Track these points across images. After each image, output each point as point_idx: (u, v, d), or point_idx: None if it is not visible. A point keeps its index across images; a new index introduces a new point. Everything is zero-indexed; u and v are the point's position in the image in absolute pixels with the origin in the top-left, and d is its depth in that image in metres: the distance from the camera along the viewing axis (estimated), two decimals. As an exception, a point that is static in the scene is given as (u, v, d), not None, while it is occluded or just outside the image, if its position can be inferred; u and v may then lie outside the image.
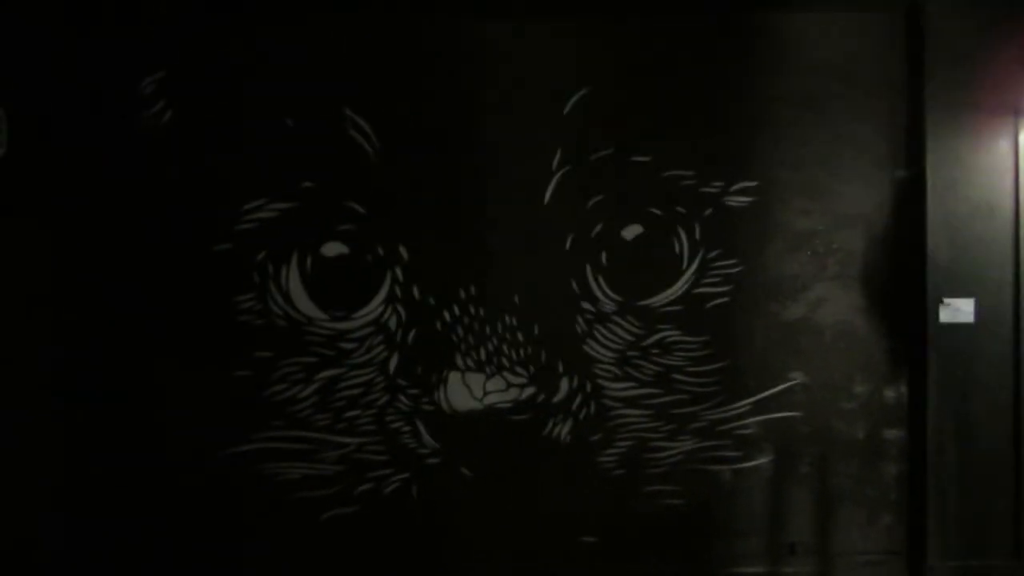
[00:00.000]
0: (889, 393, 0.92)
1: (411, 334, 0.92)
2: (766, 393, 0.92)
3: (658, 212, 0.91)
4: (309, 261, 0.92)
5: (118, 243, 0.91)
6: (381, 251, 0.91)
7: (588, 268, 0.91)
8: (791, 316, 0.91)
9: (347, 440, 0.93)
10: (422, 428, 0.92)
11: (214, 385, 0.92)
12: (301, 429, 0.93)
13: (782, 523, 0.93)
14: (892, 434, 0.92)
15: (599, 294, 0.91)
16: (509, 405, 0.92)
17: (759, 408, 0.92)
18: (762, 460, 0.93)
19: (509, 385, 0.91)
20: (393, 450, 0.92)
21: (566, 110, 0.91)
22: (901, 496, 0.92)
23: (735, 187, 0.91)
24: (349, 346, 0.92)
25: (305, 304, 0.92)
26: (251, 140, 0.91)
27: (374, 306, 0.92)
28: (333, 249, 0.92)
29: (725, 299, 0.91)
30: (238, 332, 0.92)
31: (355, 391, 0.93)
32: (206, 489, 0.92)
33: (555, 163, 0.91)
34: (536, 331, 0.91)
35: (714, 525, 0.93)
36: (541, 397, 0.92)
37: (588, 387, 0.92)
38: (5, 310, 0.85)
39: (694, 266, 0.91)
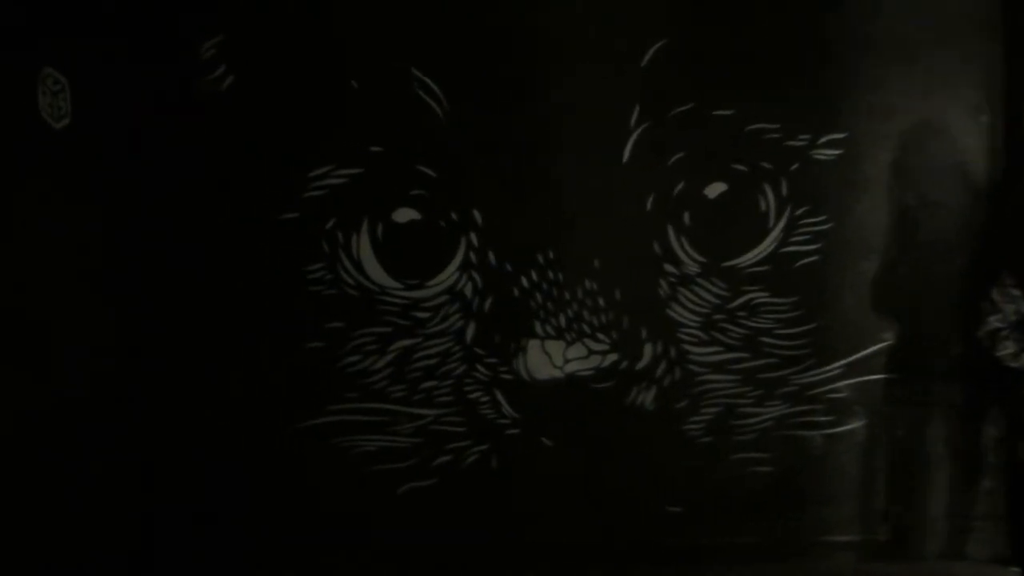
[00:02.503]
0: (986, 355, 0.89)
1: (488, 302, 0.88)
2: (858, 355, 0.88)
3: (742, 168, 0.86)
4: (380, 228, 0.88)
5: (182, 214, 0.88)
6: (454, 216, 0.88)
7: (670, 229, 0.87)
8: (883, 274, 0.87)
9: (424, 412, 0.90)
10: (501, 398, 0.89)
11: (286, 357, 0.90)
12: (376, 401, 0.90)
13: (875, 489, 0.90)
14: (990, 395, 0.89)
15: (682, 256, 0.87)
16: (590, 373, 0.89)
17: (851, 371, 0.88)
18: (854, 424, 0.89)
19: (590, 352, 0.88)
20: (471, 421, 0.89)
21: (644, 62, 0.87)
22: (999, 459, 0.89)
23: (822, 140, 0.86)
24: (424, 315, 0.89)
25: (377, 273, 0.89)
26: (315, 105, 0.88)
27: (448, 273, 0.88)
28: (404, 215, 0.89)
29: (814, 258, 0.87)
30: (309, 303, 0.89)
31: (431, 361, 0.89)
32: (280, 462, 0.90)
33: (633, 119, 0.86)
34: (617, 296, 0.87)
35: (805, 492, 0.89)
36: (624, 364, 0.88)
37: (672, 353, 0.88)
38: (64, 287, 0.83)
39: (781, 224, 0.87)
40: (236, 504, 0.92)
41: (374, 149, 0.89)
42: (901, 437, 0.89)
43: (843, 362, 0.91)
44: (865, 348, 0.90)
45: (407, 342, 0.92)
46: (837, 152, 0.87)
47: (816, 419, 0.91)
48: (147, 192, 0.89)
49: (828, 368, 0.90)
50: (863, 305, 0.89)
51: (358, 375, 0.92)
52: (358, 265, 0.91)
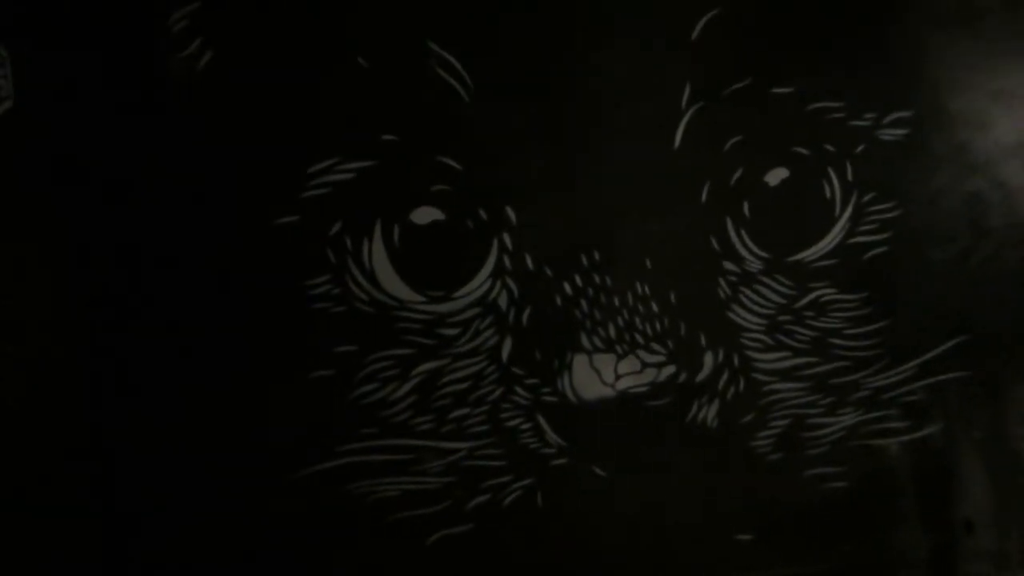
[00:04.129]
0: None
1: (526, 313, 0.76)
2: (933, 353, 0.81)
3: (805, 152, 0.78)
4: (396, 232, 0.75)
5: (152, 220, 0.72)
6: (484, 215, 0.75)
7: (729, 221, 0.77)
8: (956, 264, 0.81)
9: (455, 445, 0.77)
10: (545, 423, 0.77)
11: (287, 391, 0.75)
12: (398, 436, 0.76)
13: (956, 497, 0.84)
14: None
15: (743, 251, 0.78)
16: (645, 389, 0.78)
17: (926, 370, 0.81)
18: (932, 428, 0.82)
19: (644, 365, 0.77)
20: (511, 452, 0.76)
21: (694, 35, 0.77)
22: (1081, 458, 0.84)
23: (888, 119, 0.78)
24: (451, 332, 0.75)
25: (395, 284, 0.75)
26: (315, 86, 0.74)
27: (479, 282, 0.76)
28: (425, 215, 0.76)
29: (883, 248, 0.79)
30: (313, 324, 0.73)
31: (462, 386, 0.76)
32: (284, 516, 0.76)
33: (684, 99, 0.76)
34: (673, 299, 0.77)
35: (883, 506, 0.81)
36: (683, 376, 0.78)
37: (736, 361, 0.79)
38: (14, 302, 0.67)
39: (848, 212, 0.79)
40: (230, 566, 0.77)
41: (387, 138, 0.75)
42: (980, 440, 0.84)
43: (917, 362, 0.83)
44: (939, 345, 0.83)
45: (432, 365, 0.77)
46: (904, 132, 0.79)
47: (891, 426, 0.84)
48: (108, 196, 0.73)
49: (902, 369, 0.82)
50: (936, 298, 0.82)
51: (375, 407, 0.76)
52: (371, 276, 0.77)
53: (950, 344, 0.78)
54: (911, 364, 0.78)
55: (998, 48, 0.76)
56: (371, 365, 0.72)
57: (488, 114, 0.71)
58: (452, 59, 0.70)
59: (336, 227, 0.70)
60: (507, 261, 0.73)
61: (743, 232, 0.74)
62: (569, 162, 0.73)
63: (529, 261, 0.73)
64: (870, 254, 0.76)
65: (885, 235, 0.76)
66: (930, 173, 0.76)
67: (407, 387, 0.72)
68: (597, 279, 0.74)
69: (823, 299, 0.76)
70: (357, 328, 0.72)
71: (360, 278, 0.71)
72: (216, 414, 0.70)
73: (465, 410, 0.74)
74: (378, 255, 0.71)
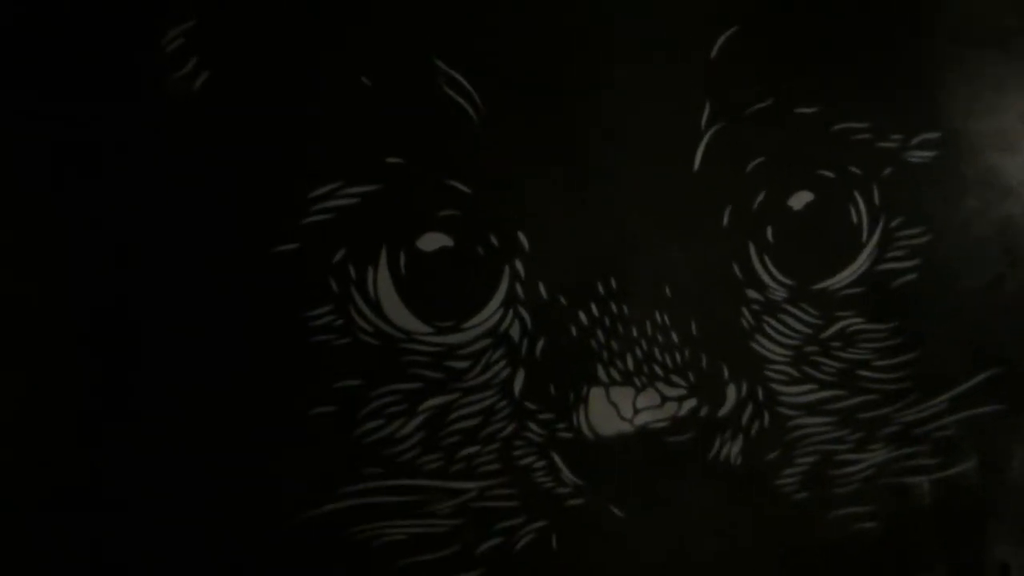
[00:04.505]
0: None
1: (539, 344, 0.72)
2: (965, 386, 0.77)
3: (830, 174, 0.75)
4: (403, 259, 0.71)
5: (144, 248, 0.69)
6: (495, 240, 0.70)
7: (752, 247, 0.74)
8: (988, 293, 0.77)
9: (465, 485, 0.73)
10: (559, 461, 0.73)
11: (286, 428, 0.71)
12: (404, 476, 0.72)
13: (991, 538, 0.80)
14: None
15: (766, 278, 0.74)
16: (666, 424, 0.74)
17: (957, 404, 0.78)
18: (965, 465, 0.79)
19: (664, 399, 0.74)
20: (524, 493, 0.71)
21: (713, 53, 0.74)
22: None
23: (915, 140, 0.76)
24: (461, 365, 0.71)
25: (400, 315, 0.71)
26: (316, 106, 0.71)
27: (490, 312, 0.71)
28: (433, 242, 0.72)
29: (912, 276, 0.76)
30: (314, 357, 0.69)
31: (472, 422, 0.72)
32: (284, 563, 0.71)
33: (704, 120, 0.73)
34: (694, 329, 0.73)
35: (914, 548, 0.78)
36: (704, 410, 0.74)
37: (760, 394, 0.75)
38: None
39: (875, 238, 0.76)
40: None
41: (392, 161, 0.71)
42: (1016, 477, 0.80)
43: (948, 395, 0.80)
44: (972, 378, 0.79)
45: (441, 399, 0.72)
46: (932, 154, 0.77)
47: (922, 462, 0.80)
48: (97, 224, 0.69)
49: (933, 403, 0.79)
50: (968, 328, 0.79)
51: (380, 445, 0.71)
52: (376, 306, 0.72)
53: (983, 376, 0.75)
54: (942, 397, 0.74)
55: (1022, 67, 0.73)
56: (376, 400, 0.68)
57: (498, 135, 0.68)
58: (460, 77, 0.67)
59: (339, 255, 0.66)
60: (519, 290, 0.69)
61: (766, 258, 0.71)
62: (584, 185, 0.69)
63: (543, 289, 0.69)
64: (899, 282, 0.73)
65: (914, 262, 0.73)
66: (959, 197, 0.73)
67: (414, 423, 0.68)
68: (614, 308, 0.70)
69: (850, 329, 0.72)
70: (361, 361, 0.67)
71: (364, 308, 0.67)
72: (210, 454, 0.66)
73: (475, 448, 0.69)
74: (383, 284, 0.67)
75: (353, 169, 0.66)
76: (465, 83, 0.67)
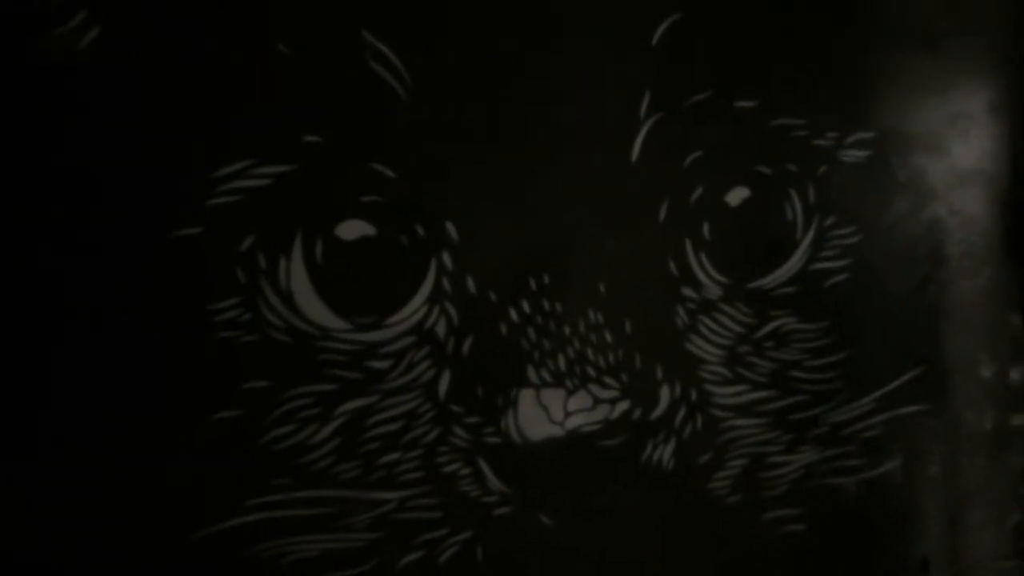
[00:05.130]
0: (1015, 375, 0.82)
1: (467, 343, 0.66)
2: (891, 386, 0.77)
3: (767, 171, 0.73)
4: (319, 248, 0.64)
5: (18, 228, 0.60)
6: (421, 231, 0.64)
7: (688, 243, 0.71)
8: (914, 294, 0.77)
9: (384, 495, 0.67)
10: (486, 468, 0.68)
11: (185, 433, 0.63)
12: (317, 487, 0.66)
13: (912, 536, 0.80)
14: (1020, 420, 0.82)
15: (702, 276, 0.72)
16: (598, 427, 0.70)
17: (883, 404, 0.78)
18: (889, 465, 0.79)
19: (597, 401, 0.70)
20: (448, 502, 0.66)
21: (655, 40, 0.71)
22: (1027, 491, 0.83)
23: (850, 139, 0.74)
24: (382, 365, 0.64)
25: (316, 309, 0.64)
26: (225, 75, 0.63)
27: (415, 307, 0.65)
28: (353, 230, 0.65)
29: (844, 275, 0.75)
30: (217, 355, 0.62)
31: (393, 426, 0.66)
32: (179, 589, 0.64)
33: (643, 109, 0.71)
34: (628, 328, 0.70)
35: (840, 547, 0.78)
36: (637, 413, 0.71)
37: (693, 395, 0.73)
38: None
39: (809, 237, 0.74)
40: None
41: (310, 139, 0.63)
42: (936, 475, 0.81)
43: (875, 395, 0.79)
44: (897, 378, 0.80)
45: (359, 402, 0.65)
46: (865, 153, 0.75)
47: (849, 463, 0.80)
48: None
49: (860, 403, 0.78)
50: (894, 328, 0.79)
51: (291, 453, 0.63)
52: (288, 300, 0.65)
53: (907, 376, 0.75)
54: (870, 398, 0.74)
55: (955, 70, 0.74)
56: (287, 404, 0.61)
57: (428, 116, 0.63)
58: (389, 52, 0.61)
59: (248, 242, 0.60)
60: (446, 284, 0.64)
61: (702, 256, 0.69)
62: (518, 174, 0.65)
63: (471, 284, 0.65)
64: (831, 281, 0.72)
65: (846, 262, 0.72)
66: (890, 198, 0.73)
67: (329, 429, 0.62)
68: (547, 305, 0.66)
69: (783, 329, 0.71)
70: (271, 360, 0.61)
71: (275, 302, 0.61)
72: (97, 461, 0.58)
73: (396, 455, 0.64)
74: (297, 275, 0.61)
75: (266, 147, 0.60)
76: (394, 58, 0.61)
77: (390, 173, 0.62)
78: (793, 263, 0.71)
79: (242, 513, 0.61)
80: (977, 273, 0.76)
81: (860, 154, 0.72)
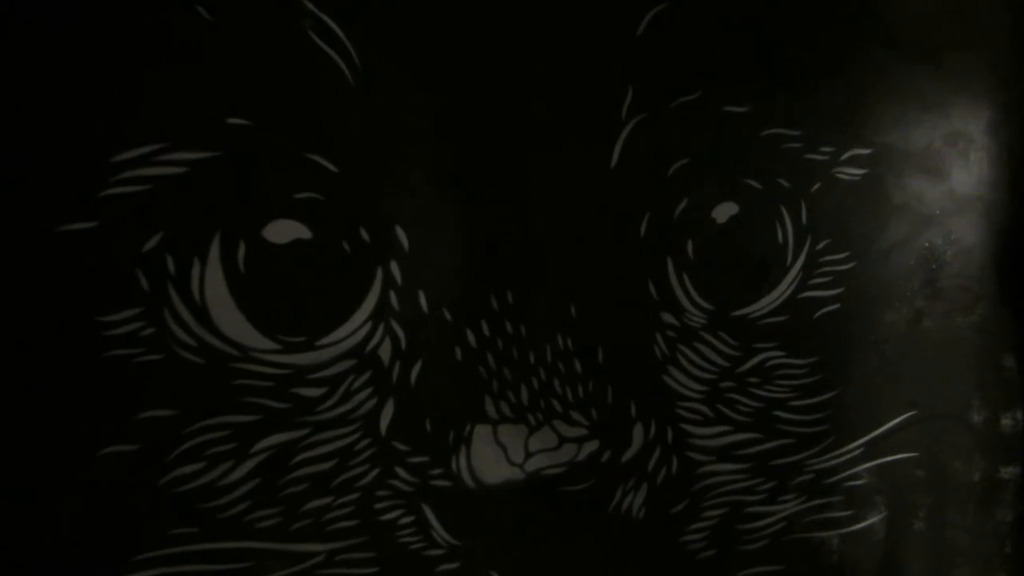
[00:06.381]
0: (1006, 421, 0.77)
1: (415, 369, 0.57)
2: (880, 431, 0.71)
3: (757, 185, 0.66)
4: (242, 252, 0.53)
5: None
6: (365, 235, 0.54)
7: (670, 263, 0.63)
8: (907, 328, 0.71)
9: (310, 548, 0.56)
10: (432, 516, 0.58)
11: (65, 470, 0.52)
12: (229, 538, 0.54)
13: None
14: (1009, 472, 0.77)
15: (685, 301, 0.64)
16: (562, 470, 0.61)
17: (872, 451, 0.71)
18: (874, 518, 0.72)
19: (562, 440, 0.61)
20: (387, 557, 0.56)
21: (640, 31, 0.63)
22: (1019, 547, 0.77)
23: (846, 155, 0.68)
24: (313, 392, 0.54)
25: (235, 325, 0.53)
26: (131, 40, 0.52)
27: (355, 325, 0.55)
28: (284, 231, 0.54)
29: (835, 306, 0.69)
30: (109, 376, 0.51)
31: (323, 466, 0.55)
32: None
33: (625, 108, 0.63)
34: (600, 357, 0.62)
35: (821, 612, 0.71)
36: (607, 455, 0.62)
37: (669, 436, 0.65)
38: None
39: (800, 261, 0.67)
40: None
41: (234, 122, 0.53)
42: (920, 530, 0.75)
43: (863, 440, 0.73)
44: (887, 422, 0.73)
45: (284, 436, 0.54)
46: (862, 171, 0.69)
47: (833, 515, 0.73)
48: None
49: (848, 448, 0.71)
50: (886, 367, 0.73)
51: (197, 496, 0.52)
52: (201, 313, 0.54)
53: (898, 420, 0.69)
54: (858, 443, 0.67)
55: (957, 87, 0.68)
56: (194, 437, 0.51)
57: (378, 102, 0.53)
58: (334, 24, 0.52)
59: (153, 241, 0.49)
60: (394, 299, 0.55)
61: (685, 277, 0.61)
62: (480, 174, 0.57)
63: (423, 300, 0.55)
64: (821, 311, 0.65)
65: (838, 290, 0.65)
66: (885, 222, 0.66)
67: (245, 468, 0.52)
68: (509, 328, 0.57)
69: (769, 363, 0.63)
70: (177, 385, 0.50)
71: (185, 315, 0.50)
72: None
73: (326, 499, 0.54)
74: (213, 283, 0.51)
75: (180, 128, 0.49)
76: (339, 31, 0.52)
77: (331, 167, 0.52)
78: (782, 289, 0.64)
79: (135, 569, 0.51)
80: (971, 309, 0.71)
81: (856, 172, 0.65)
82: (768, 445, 0.65)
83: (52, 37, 0.47)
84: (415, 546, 0.56)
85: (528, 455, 0.58)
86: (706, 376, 0.62)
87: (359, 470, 0.55)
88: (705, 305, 0.62)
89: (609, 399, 0.59)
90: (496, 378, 0.57)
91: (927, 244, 0.69)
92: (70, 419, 0.49)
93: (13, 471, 0.49)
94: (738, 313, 0.63)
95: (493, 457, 0.57)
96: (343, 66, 0.52)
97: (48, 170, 0.47)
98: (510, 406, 0.57)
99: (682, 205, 0.61)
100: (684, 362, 0.62)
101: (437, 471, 0.56)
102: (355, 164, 0.53)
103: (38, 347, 0.48)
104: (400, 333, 0.55)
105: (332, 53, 0.52)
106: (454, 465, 0.56)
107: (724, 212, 0.62)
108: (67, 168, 0.48)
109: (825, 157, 0.65)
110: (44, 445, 0.49)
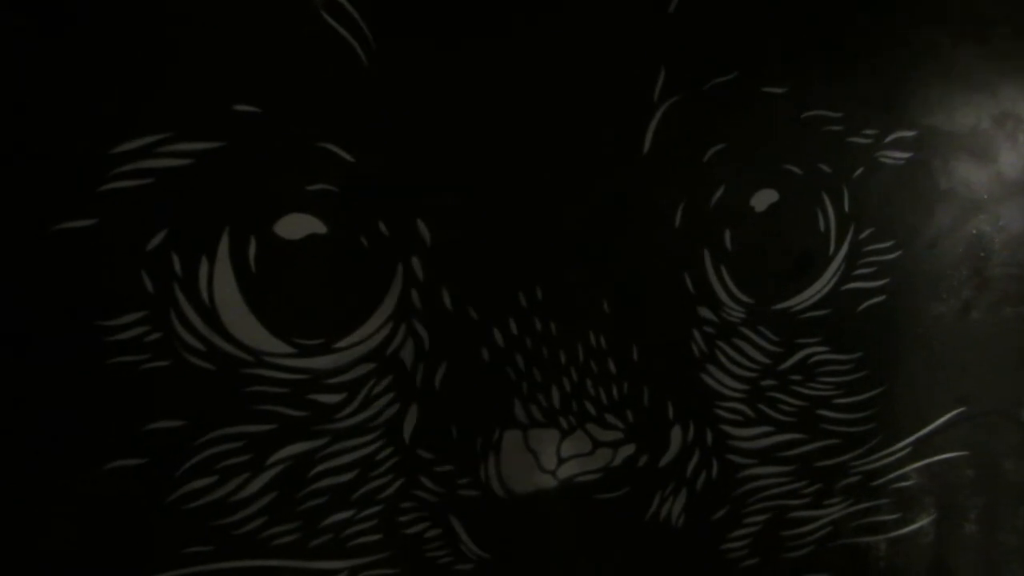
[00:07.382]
0: None
1: (439, 372, 0.53)
2: (928, 429, 0.68)
3: (797, 171, 0.62)
4: (253, 249, 0.50)
5: None
6: (385, 230, 0.51)
7: (707, 255, 0.60)
8: (956, 320, 0.68)
9: (331, 565, 0.53)
10: (460, 528, 0.55)
11: (67, 487, 0.49)
12: (244, 556, 0.52)
13: None
14: None
15: (723, 295, 0.60)
16: (596, 476, 0.57)
17: (920, 450, 0.68)
18: (923, 521, 0.68)
19: (596, 444, 0.58)
20: (413, 572, 0.53)
21: (672, 7, 0.60)
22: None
23: (890, 138, 0.64)
24: (331, 399, 0.51)
25: (247, 328, 0.50)
26: (131, 22, 0.50)
27: (375, 326, 0.52)
28: (298, 226, 0.51)
29: (881, 297, 0.65)
30: (113, 385, 0.48)
31: (344, 477, 0.52)
32: None
33: (657, 90, 0.59)
34: (635, 355, 0.59)
35: (870, 621, 0.68)
36: (643, 459, 0.59)
37: (708, 438, 0.62)
38: None
39: (843, 251, 0.64)
40: None
41: (242, 110, 0.50)
42: (972, 532, 0.71)
43: (911, 439, 0.70)
44: (936, 419, 0.70)
45: (301, 447, 0.51)
46: (907, 155, 0.66)
47: (881, 519, 0.69)
48: None
49: (894, 449, 0.68)
50: (933, 362, 0.69)
51: (210, 512, 0.49)
52: (210, 315, 0.51)
53: (946, 418, 0.65)
54: (905, 442, 0.64)
55: (1005, 65, 0.64)
56: (205, 449, 0.47)
57: (396, 87, 0.50)
58: (346, 2, 0.48)
59: (158, 239, 0.46)
60: (415, 297, 0.51)
61: (723, 270, 0.57)
62: (506, 163, 0.53)
63: (447, 298, 0.52)
64: (865, 304, 0.62)
65: (883, 281, 0.62)
66: (931, 208, 0.63)
67: (261, 481, 0.48)
68: (538, 326, 0.54)
69: (812, 359, 0.60)
70: (186, 393, 0.47)
71: (193, 318, 0.47)
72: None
73: (347, 513, 0.50)
74: (223, 284, 0.47)
75: (185, 117, 0.46)
76: (352, 10, 0.48)
77: (346, 156, 0.49)
78: (825, 281, 0.60)
79: (144, 590, 0.48)
80: (1021, 300, 0.67)
81: (900, 155, 0.62)
82: (812, 446, 0.61)
83: (44, 18, 0.44)
84: (443, 560, 0.53)
85: (560, 461, 0.54)
86: (746, 374, 0.59)
87: (381, 481, 0.51)
88: (744, 299, 0.58)
89: (645, 400, 0.56)
90: (525, 380, 0.53)
91: (975, 231, 0.66)
92: (73, 432, 0.45)
93: (14, 487, 0.45)
94: (779, 307, 0.59)
95: (523, 464, 0.53)
96: (357, 47, 0.48)
97: (42, 163, 0.44)
98: (541, 409, 0.53)
99: (719, 193, 0.57)
100: (723, 359, 0.58)
101: (464, 480, 0.52)
102: (371, 153, 0.49)
103: (36, 356, 0.45)
104: (423, 333, 0.51)
105: (345, 33, 0.48)
106: (482, 473, 0.53)
107: (763, 200, 0.58)
108: (62, 161, 0.44)
109: (868, 140, 0.61)
110: (46, 460, 0.45)
